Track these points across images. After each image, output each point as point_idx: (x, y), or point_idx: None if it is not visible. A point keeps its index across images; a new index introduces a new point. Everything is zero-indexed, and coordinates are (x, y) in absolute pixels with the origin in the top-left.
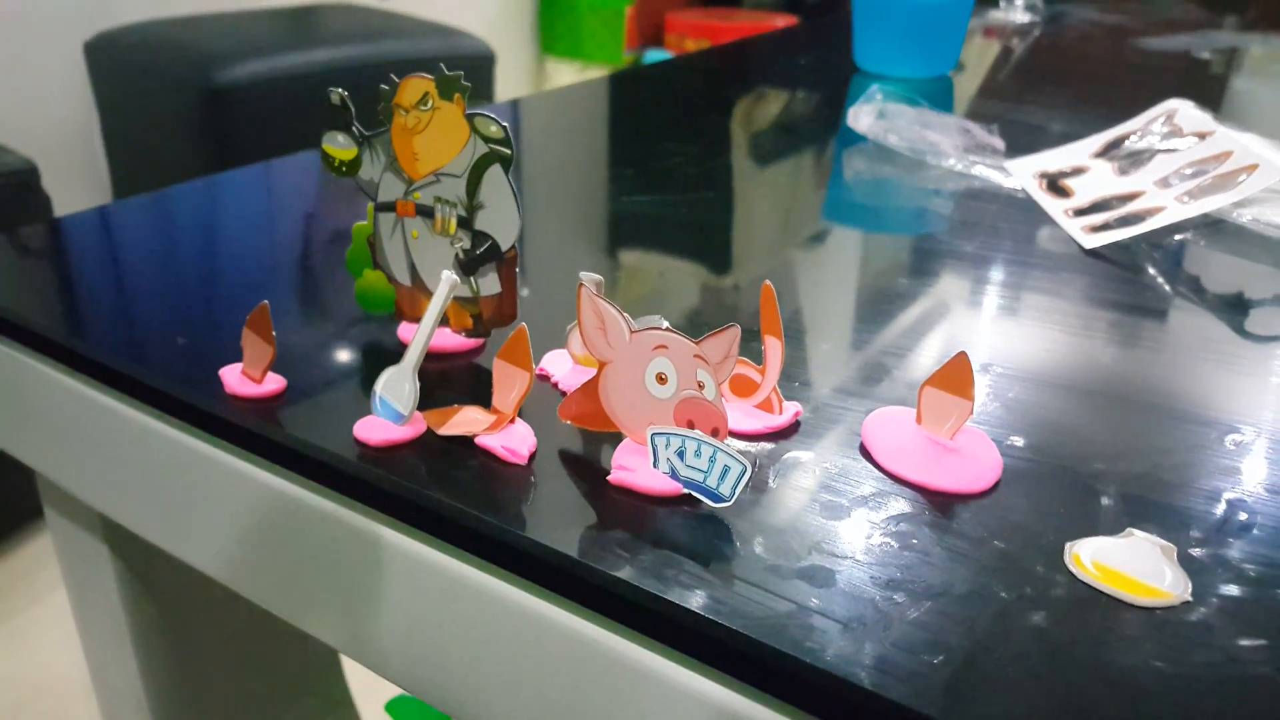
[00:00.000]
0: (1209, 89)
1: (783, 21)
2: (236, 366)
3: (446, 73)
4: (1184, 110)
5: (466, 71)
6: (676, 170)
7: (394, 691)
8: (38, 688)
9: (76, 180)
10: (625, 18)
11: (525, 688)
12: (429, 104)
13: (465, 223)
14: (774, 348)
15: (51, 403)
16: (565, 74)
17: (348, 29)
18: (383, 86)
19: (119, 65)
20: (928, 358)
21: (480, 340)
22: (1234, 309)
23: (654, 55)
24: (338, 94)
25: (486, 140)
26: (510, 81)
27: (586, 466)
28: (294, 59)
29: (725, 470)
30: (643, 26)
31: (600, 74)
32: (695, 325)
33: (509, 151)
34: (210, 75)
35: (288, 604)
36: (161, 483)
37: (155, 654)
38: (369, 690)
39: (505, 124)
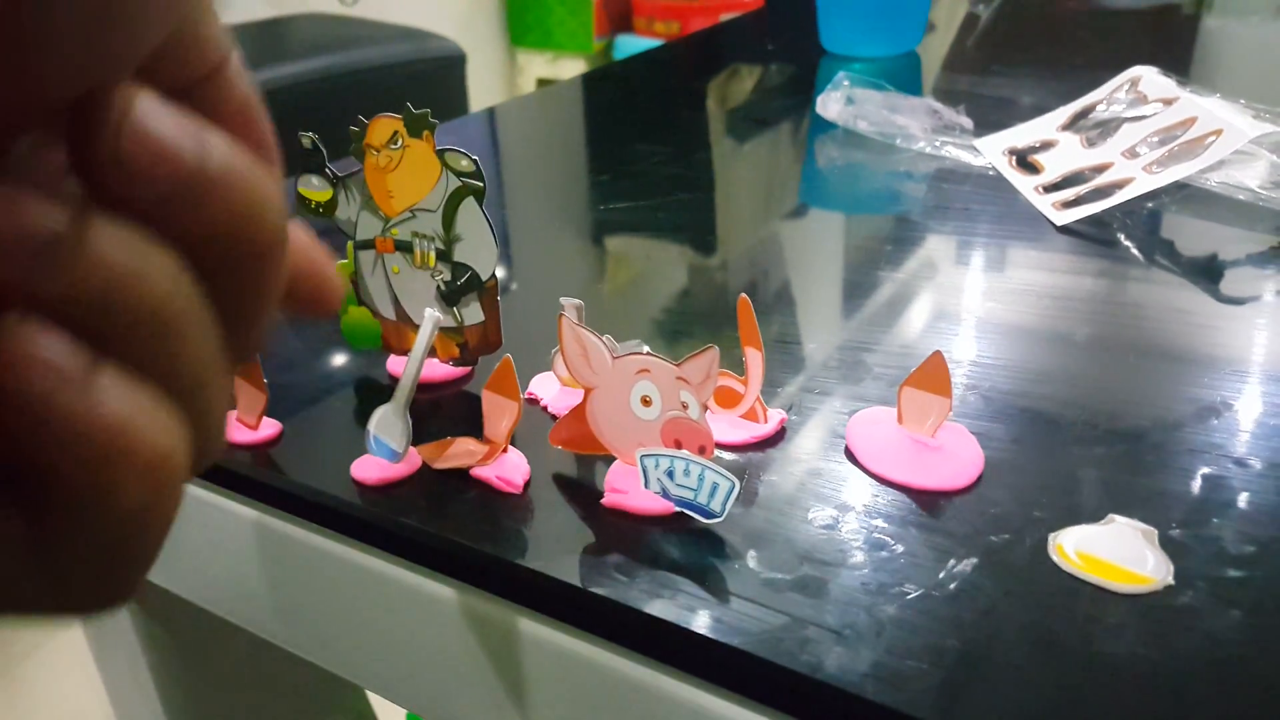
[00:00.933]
0: (1174, 44)
1: None
2: (231, 414)
3: (414, 111)
4: (1147, 76)
5: (438, 73)
6: (652, 171)
7: None
8: (65, 717)
9: None
10: (593, 4)
11: (533, 713)
12: (399, 142)
13: (444, 255)
14: (754, 359)
15: None
16: (536, 65)
17: (317, 39)
18: (352, 128)
19: None
20: (906, 351)
21: (468, 368)
22: (1207, 277)
23: (624, 40)
24: (308, 138)
25: (458, 174)
26: (481, 77)
27: (580, 490)
28: (268, 73)
29: (715, 487)
30: (611, 12)
31: (571, 63)
32: (680, 332)
33: (481, 184)
34: None
35: (298, 640)
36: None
37: (177, 686)
38: (387, 703)
39: (476, 157)
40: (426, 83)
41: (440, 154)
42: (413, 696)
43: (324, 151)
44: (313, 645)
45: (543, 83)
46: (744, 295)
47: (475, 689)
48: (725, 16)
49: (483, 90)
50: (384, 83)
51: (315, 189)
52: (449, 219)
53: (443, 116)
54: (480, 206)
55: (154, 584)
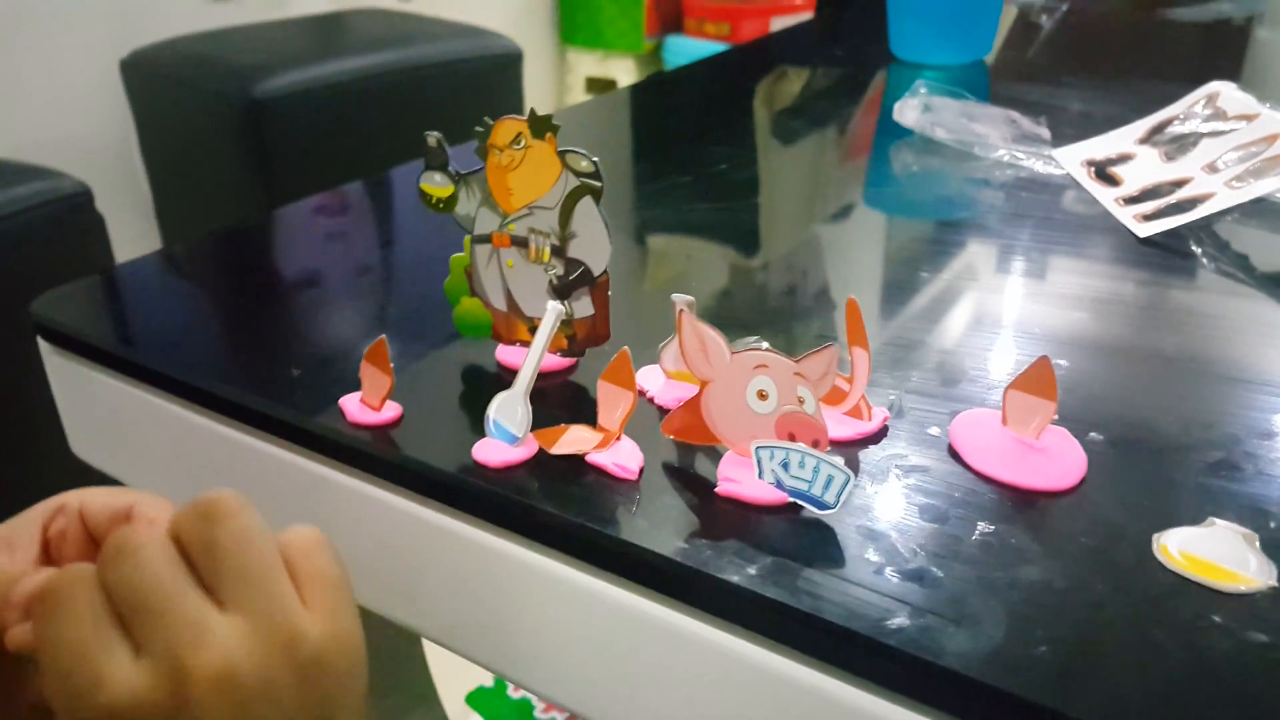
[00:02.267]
0: (1243, 59)
1: (803, 1)
2: (354, 396)
3: (538, 114)
4: (1226, 92)
5: (495, 71)
6: (729, 175)
7: (472, 684)
8: None
9: (119, 198)
10: (644, 4)
11: (635, 685)
12: (522, 143)
13: (558, 251)
14: (861, 358)
15: (173, 437)
16: (586, 64)
17: (377, 35)
18: (477, 129)
19: (155, 82)
20: (1000, 356)
21: (573, 360)
22: None
23: (674, 40)
24: (434, 137)
25: (578, 174)
26: (531, 74)
27: (692, 479)
28: (328, 68)
29: (829, 480)
30: (661, 12)
31: (621, 62)
32: (772, 331)
33: (599, 184)
34: (247, 88)
35: (412, 615)
36: (287, 506)
37: None
38: (445, 683)
39: (596, 159)
40: (484, 80)
41: (562, 155)
42: (521, 668)
43: (448, 150)
44: (424, 619)
45: (592, 81)
46: (852, 297)
47: (589, 663)
48: (776, 19)
49: (532, 88)
50: (443, 79)
51: (437, 185)
52: (566, 217)
53: (499, 115)
54: (597, 206)
55: None
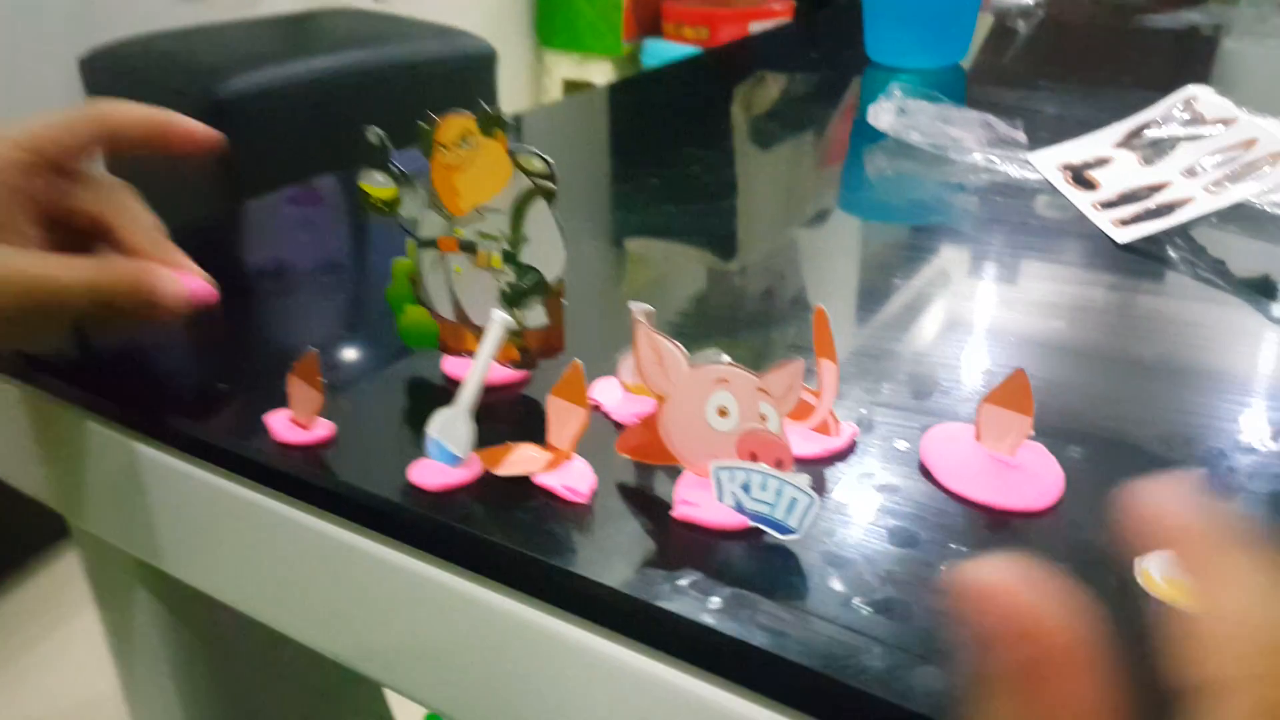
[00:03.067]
0: (1218, 65)
1: (780, 5)
2: (281, 412)
3: (488, 110)
4: (1204, 96)
5: (468, 71)
6: (699, 177)
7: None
8: (75, 707)
9: None
10: (623, 8)
11: None
12: (470, 143)
13: (509, 257)
14: (829, 370)
15: (91, 455)
16: (564, 66)
17: (348, 34)
18: (422, 125)
19: (117, 80)
20: (974, 366)
21: (524, 373)
22: (1270, 298)
23: (652, 44)
24: (376, 134)
25: (530, 175)
26: (508, 77)
27: (648, 501)
28: (296, 67)
29: (793, 503)
30: (640, 15)
31: (599, 65)
32: (733, 339)
33: (553, 186)
34: (212, 87)
35: (341, 647)
36: (210, 532)
37: (196, 681)
38: (401, 705)
39: (549, 159)
40: (457, 81)
41: (512, 154)
42: (462, 705)
43: (390, 148)
44: (357, 653)
45: (570, 84)
46: (820, 306)
47: (539, 705)
48: (754, 23)
49: (509, 90)
50: (415, 79)
51: (379, 185)
52: (517, 220)
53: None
54: (551, 209)
55: (178, 581)
